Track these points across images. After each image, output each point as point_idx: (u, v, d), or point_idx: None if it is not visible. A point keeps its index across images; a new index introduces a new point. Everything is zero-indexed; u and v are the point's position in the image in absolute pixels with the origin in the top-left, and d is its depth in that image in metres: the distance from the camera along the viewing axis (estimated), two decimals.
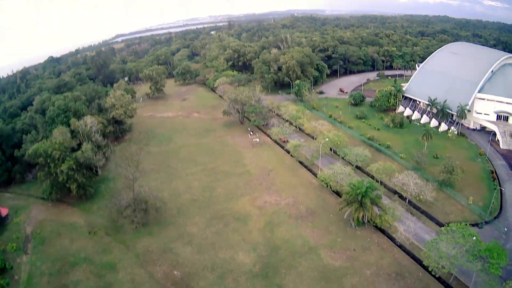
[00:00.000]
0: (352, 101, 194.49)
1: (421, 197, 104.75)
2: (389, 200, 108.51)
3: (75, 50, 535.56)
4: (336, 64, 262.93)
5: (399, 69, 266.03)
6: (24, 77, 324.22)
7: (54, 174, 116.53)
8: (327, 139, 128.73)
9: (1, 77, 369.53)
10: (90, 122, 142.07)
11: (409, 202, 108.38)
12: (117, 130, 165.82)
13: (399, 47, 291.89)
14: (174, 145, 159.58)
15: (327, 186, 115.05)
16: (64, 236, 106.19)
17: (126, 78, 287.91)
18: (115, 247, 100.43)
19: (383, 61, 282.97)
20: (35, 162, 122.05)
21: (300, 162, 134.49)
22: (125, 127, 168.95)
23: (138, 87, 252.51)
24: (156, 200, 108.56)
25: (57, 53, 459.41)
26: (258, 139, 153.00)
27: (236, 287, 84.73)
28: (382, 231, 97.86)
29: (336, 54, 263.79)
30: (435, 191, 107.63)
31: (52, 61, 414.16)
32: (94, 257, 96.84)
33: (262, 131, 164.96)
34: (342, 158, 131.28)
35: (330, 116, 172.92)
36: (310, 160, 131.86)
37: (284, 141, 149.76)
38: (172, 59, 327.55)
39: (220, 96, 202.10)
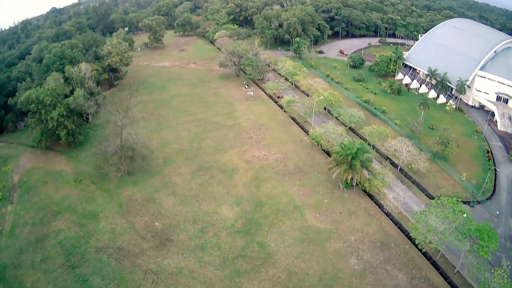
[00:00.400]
0: (351, 63, 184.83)
1: (413, 166, 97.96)
2: (380, 165, 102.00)
3: (78, 1, 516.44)
4: (338, 26, 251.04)
5: (402, 38, 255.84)
6: (25, 27, 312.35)
7: (45, 121, 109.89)
8: (321, 97, 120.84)
9: (3, 29, 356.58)
10: (84, 68, 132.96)
11: (401, 170, 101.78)
12: (112, 77, 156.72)
13: (403, 17, 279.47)
14: (167, 94, 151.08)
15: (317, 145, 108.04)
16: (50, 184, 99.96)
17: (126, 28, 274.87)
18: (99, 196, 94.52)
19: (386, 28, 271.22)
20: (27, 110, 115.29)
21: (293, 119, 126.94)
22: (120, 75, 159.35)
23: (138, 37, 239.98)
24: (143, 148, 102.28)
25: (61, 5, 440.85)
26: (252, 93, 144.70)
27: (216, 241, 79.26)
28: (371, 196, 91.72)
29: (339, 16, 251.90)
30: (428, 162, 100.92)
31: (54, 11, 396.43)
32: (78, 206, 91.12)
33: (258, 86, 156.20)
34: (336, 118, 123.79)
35: (328, 76, 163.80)
36: (303, 117, 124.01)
37: (278, 97, 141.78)
38: (174, 10, 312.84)
39: (218, 49, 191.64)
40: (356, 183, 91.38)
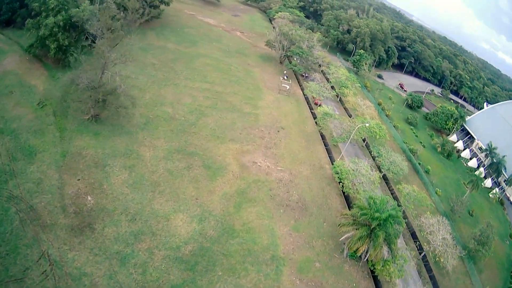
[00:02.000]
0: (409, 101, 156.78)
1: (441, 260, 68.66)
2: (403, 243, 73.14)
3: None
4: (407, 59, 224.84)
5: (464, 99, 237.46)
6: None
7: (41, 26, 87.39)
8: (367, 124, 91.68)
9: None
10: None
11: (424, 257, 72.74)
12: (144, 13, 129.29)
13: (471, 79, 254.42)
14: (195, 50, 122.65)
15: (338, 183, 78.82)
16: (13, 96, 76.39)
17: None
18: (50, 132, 69.36)
19: (451, 83, 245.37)
20: (31, 8, 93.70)
21: (322, 136, 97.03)
22: (156, 12, 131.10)
23: None
24: (124, 97, 75.41)
25: None
26: (289, 87, 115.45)
27: (145, 261, 52.21)
28: (376, 281, 62.73)
29: (412, 49, 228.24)
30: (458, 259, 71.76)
31: None
32: (22, 134, 67.35)
33: (298, 82, 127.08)
34: (372, 158, 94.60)
35: (379, 105, 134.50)
36: (334, 140, 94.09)
37: (316, 103, 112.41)
38: None
39: (274, 28, 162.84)
40: (367, 258, 62.68)
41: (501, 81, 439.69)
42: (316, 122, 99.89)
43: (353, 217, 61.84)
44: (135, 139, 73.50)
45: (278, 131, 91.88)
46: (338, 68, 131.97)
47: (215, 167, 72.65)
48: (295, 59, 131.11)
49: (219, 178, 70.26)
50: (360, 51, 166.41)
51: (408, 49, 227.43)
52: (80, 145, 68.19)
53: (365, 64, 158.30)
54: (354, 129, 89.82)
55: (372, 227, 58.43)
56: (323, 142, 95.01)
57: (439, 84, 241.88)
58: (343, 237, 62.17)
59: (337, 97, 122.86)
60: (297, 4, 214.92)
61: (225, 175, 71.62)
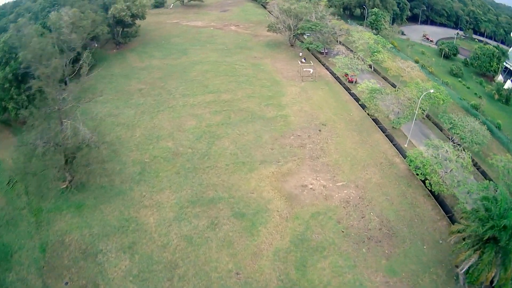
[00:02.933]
0: (446, 50, 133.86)
1: None
2: None
3: None
4: (418, 8, 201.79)
5: (485, 36, 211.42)
6: None
7: None
8: (432, 91, 67.07)
9: None
10: (65, 14, 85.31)
11: None
12: (118, 34, 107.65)
13: (483, 13, 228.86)
14: (186, 60, 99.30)
15: (423, 183, 55.12)
16: None
17: None
18: (24, 220, 50.31)
19: (466, 22, 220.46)
20: None
21: (375, 121, 72.62)
22: (130, 31, 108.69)
23: None
24: (102, 146, 54.37)
25: None
26: (312, 70, 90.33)
27: None
28: None
29: None
30: None
31: None
32: None
33: (319, 62, 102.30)
34: (446, 131, 69.60)
35: (417, 62, 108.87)
36: (394, 122, 68.94)
37: (351, 81, 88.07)
38: None
39: (270, 13, 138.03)
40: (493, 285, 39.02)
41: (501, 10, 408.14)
42: (361, 105, 75.71)
43: (470, 234, 38.57)
44: (130, 200, 51.35)
45: (320, 130, 67.69)
46: (361, 32, 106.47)
47: (250, 212, 49.27)
48: (306, 36, 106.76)
49: (262, 228, 46.79)
50: (373, 9, 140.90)
51: None
52: (61, 229, 47.67)
53: (385, 22, 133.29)
54: (417, 101, 65.23)
55: (496, 240, 35.36)
56: (379, 127, 70.51)
57: (456, 26, 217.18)
58: (463, 267, 38.85)
59: (370, 67, 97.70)
60: None
61: (268, 220, 48.14)
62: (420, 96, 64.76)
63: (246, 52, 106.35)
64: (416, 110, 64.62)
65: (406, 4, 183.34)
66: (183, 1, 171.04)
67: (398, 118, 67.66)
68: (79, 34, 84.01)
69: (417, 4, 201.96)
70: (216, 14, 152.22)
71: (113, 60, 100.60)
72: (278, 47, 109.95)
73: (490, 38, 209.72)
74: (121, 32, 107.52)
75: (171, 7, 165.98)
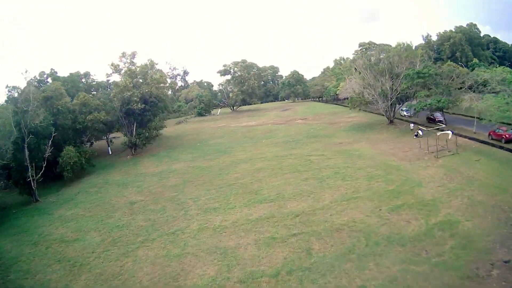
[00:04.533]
0: None
1: None
2: None
3: None
4: None
5: None
6: None
7: None
8: None
9: None
10: None
11: None
12: (131, 131, 77.40)
13: None
14: (227, 159, 62.30)
15: None
16: None
17: None
18: None
19: None
20: None
21: None
22: (149, 127, 77.23)
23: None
24: None
25: None
26: (451, 133, 48.81)
27: None
28: None
29: None
30: None
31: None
32: None
33: (437, 126, 58.77)
34: None
35: None
36: None
37: (508, 139, 46.09)
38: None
39: (345, 106, 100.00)
40: None
41: None
42: None
43: None
44: None
45: None
46: (492, 69, 64.50)
47: None
48: (405, 113, 67.77)
49: None
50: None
51: None
52: None
53: None
54: None
55: None
56: None
57: None
58: None
59: None
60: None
61: None
62: None
63: (324, 140, 67.37)
64: None
65: None
66: (233, 107, 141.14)
67: None
68: None
69: None
70: (275, 113, 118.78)
71: (120, 166, 68.36)
72: (371, 128, 70.34)
73: None
74: (135, 129, 76.46)
75: (218, 113, 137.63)
